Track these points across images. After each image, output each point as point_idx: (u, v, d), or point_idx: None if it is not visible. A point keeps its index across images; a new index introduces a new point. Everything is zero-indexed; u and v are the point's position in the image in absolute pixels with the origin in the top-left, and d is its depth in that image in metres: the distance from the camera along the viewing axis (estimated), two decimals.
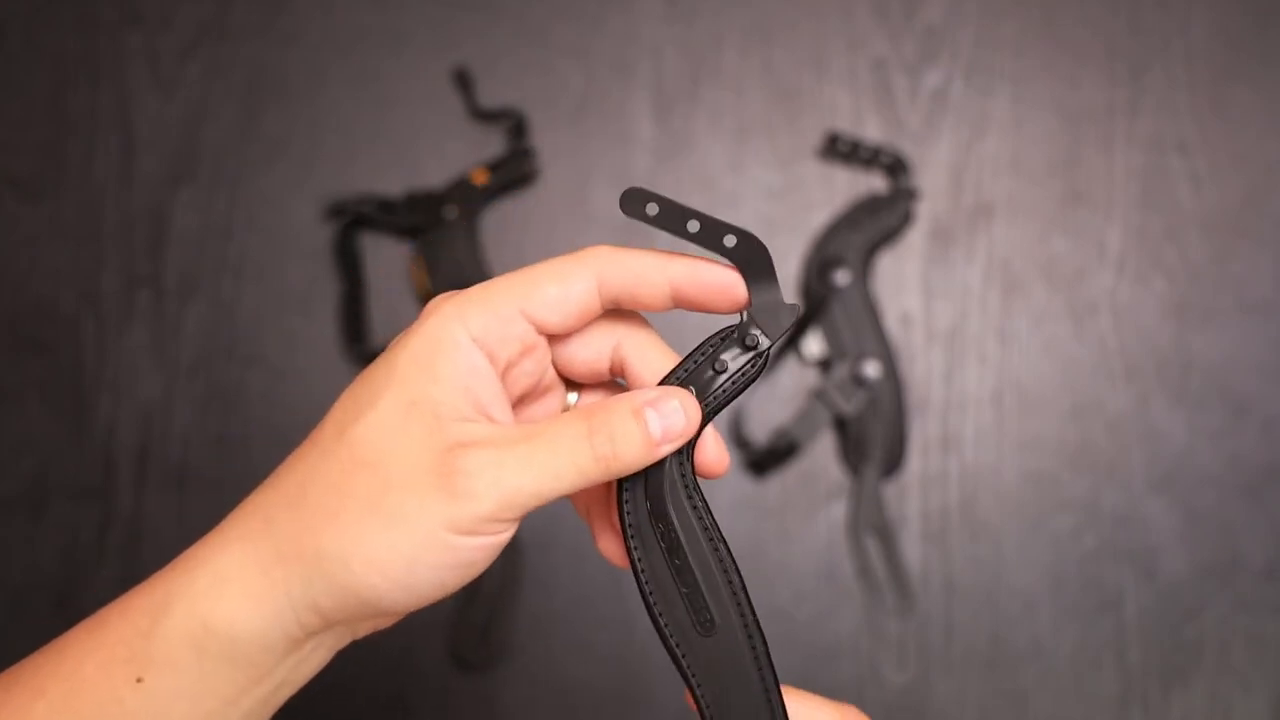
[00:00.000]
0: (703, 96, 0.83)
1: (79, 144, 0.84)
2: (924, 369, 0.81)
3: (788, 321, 0.41)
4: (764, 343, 0.41)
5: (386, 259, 0.83)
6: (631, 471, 0.39)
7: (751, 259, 0.40)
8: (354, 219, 0.82)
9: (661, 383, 0.41)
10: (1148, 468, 0.80)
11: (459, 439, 0.37)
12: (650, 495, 0.41)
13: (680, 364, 0.41)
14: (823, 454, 0.80)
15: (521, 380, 0.42)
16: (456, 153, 0.83)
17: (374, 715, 0.79)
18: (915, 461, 0.80)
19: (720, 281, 0.40)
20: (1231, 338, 0.81)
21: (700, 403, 0.40)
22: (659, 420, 0.39)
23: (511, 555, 0.79)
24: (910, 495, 0.80)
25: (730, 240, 0.40)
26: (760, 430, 0.80)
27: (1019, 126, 0.83)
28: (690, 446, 0.41)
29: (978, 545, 0.79)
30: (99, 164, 0.83)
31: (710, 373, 0.41)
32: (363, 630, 0.42)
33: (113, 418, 0.81)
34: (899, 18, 0.83)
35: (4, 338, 0.82)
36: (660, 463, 0.40)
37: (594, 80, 0.84)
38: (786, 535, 0.80)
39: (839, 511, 0.80)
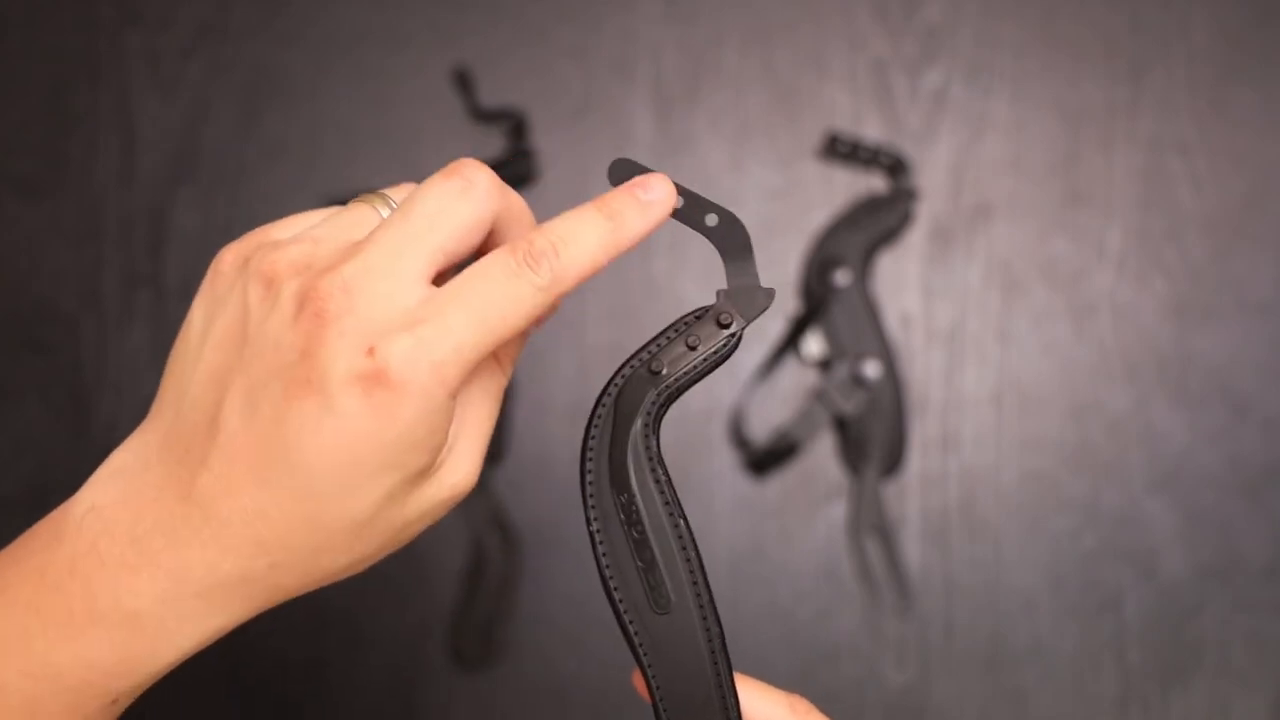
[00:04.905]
0: (703, 96, 0.83)
1: (79, 144, 0.83)
2: (924, 369, 0.81)
3: (763, 304, 0.41)
4: (738, 322, 0.41)
5: None
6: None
7: (731, 239, 0.41)
8: None
9: (636, 354, 0.41)
10: (1148, 468, 0.80)
11: None
12: (613, 464, 0.41)
13: (655, 337, 0.41)
14: (823, 454, 0.80)
15: None
16: (456, 153, 0.82)
17: (374, 715, 0.79)
18: (915, 461, 0.80)
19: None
20: (1231, 338, 0.81)
21: (671, 376, 0.41)
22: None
23: (511, 554, 0.79)
24: (910, 495, 0.80)
25: (712, 219, 0.41)
26: (760, 430, 0.80)
27: (1019, 126, 0.83)
28: (655, 419, 0.41)
29: (978, 545, 0.79)
30: (99, 164, 0.83)
31: (683, 348, 0.41)
32: None
33: (113, 418, 0.81)
34: (899, 18, 0.83)
35: (4, 338, 0.82)
36: (625, 431, 0.41)
37: (594, 80, 0.84)
38: (786, 535, 0.80)
39: (839, 511, 0.80)
